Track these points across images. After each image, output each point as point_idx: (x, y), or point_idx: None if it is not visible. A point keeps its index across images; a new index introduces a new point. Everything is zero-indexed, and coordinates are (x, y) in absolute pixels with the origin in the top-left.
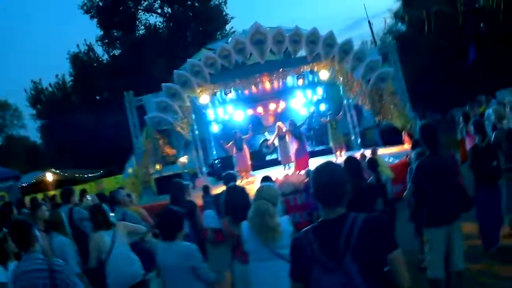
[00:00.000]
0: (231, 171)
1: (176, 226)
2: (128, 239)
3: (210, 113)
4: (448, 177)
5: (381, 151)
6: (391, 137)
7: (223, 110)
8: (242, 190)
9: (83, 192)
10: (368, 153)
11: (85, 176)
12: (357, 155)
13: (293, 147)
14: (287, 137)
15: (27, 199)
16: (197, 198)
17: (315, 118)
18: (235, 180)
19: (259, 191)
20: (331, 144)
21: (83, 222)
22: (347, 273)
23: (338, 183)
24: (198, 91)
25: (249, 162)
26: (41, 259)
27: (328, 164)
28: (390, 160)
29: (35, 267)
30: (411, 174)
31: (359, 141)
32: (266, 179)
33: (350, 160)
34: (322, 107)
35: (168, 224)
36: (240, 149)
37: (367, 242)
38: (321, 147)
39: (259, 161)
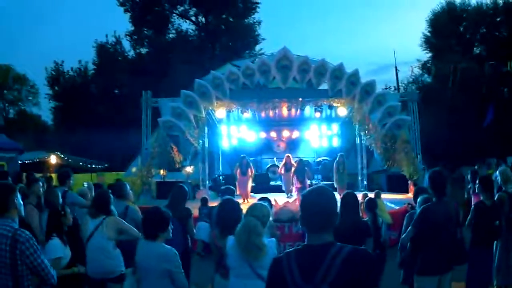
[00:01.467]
0: (231, 186)
1: (159, 226)
2: (116, 235)
3: (223, 129)
4: (449, 227)
5: (385, 196)
6: (398, 184)
7: (237, 129)
8: (235, 204)
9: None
10: (371, 195)
11: (88, 166)
12: (360, 194)
13: (296, 185)
14: (292, 170)
15: (24, 176)
16: (194, 209)
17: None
18: (232, 195)
19: (251, 208)
20: (335, 185)
21: (75, 207)
22: None
23: (327, 208)
24: (216, 104)
25: (249, 188)
26: (9, 227)
27: (320, 188)
28: (392, 206)
29: (1, 232)
30: (410, 220)
31: (365, 183)
32: (263, 199)
33: (348, 195)
34: (335, 142)
35: (151, 223)
36: (244, 173)
37: (348, 275)
38: (326, 183)
39: (264, 185)
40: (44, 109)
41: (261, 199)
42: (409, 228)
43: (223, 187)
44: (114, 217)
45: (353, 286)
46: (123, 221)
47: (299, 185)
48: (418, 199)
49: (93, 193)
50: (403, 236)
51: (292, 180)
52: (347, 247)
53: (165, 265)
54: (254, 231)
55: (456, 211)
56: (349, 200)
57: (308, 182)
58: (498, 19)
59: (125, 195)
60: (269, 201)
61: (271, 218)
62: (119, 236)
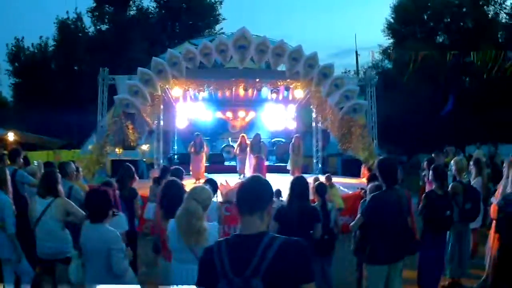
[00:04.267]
0: (180, 167)
1: (104, 208)
2: (64, 216)
3: (179, 108)
4: (399, 216)
5: (339, 180)
6: (353, 168)
7: (193, 108)
8: (179, 186)
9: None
10: (323, 178)
11: (46, 143)
12: (311, 178)
13: (251, 162)
14: (248, 150)
15: None
16: (147, 189)
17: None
18: (180, 176)
19: (191, 191)
20: (289, 167)
21: (24, 186)
22: None
23: (259, 191)
24: (172, 82)
25: (203, 168)
26: None
27: (256, 176)
28: (346, 190)
29: None
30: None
31: (320, 166)
32: (209, 181)
33: (296, 180)
34: (291, 125)
35: (96, 206)
36: (197, 152)
37: (280, 268)
38: (281, 164)
39: (218, 165)
40: (4, 85)
41: (207, 180)
42: (358, 215)
43: (172, 168)
44: (62, 199)
45: (286, 279)
46: (71, 202)
47: (254, 162)
48: (368, 186)
49: (43, 171)
50: (352, 223)
51: (248, 157)
52: (279, 238)
53: (108, 247)
54: (194, 215)
55: (406, 200)
56: (297, 185)
57: (266, 162)
58: (464, 9)
59: (69, 174)
60: (213, 183)
61: (221, 199)
62: (67, 218)
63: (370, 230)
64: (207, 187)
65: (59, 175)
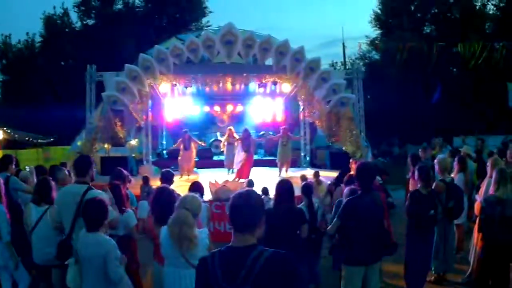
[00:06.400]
0: (170, 170)
1: (100, 218)
2: (59, 224)
3: (167, 103)
4: (374, 219)
5: (328, 173)
6: (341, 161)
7: (181, 103)
8: (169, 194)
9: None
10: (311, 173)
11: (35, 140)
12: (299, 174)
13: (239, 155)
14: (236, 144)
15: None
16: (137, 187)
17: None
18: (170, 181)
19: (183, 200)
20: (277, 160)
21: (17, 193)
22: None
23: (251, 210)
24: (160, 78)
25: (192, 163)
26: None
27: (248, 191)
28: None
29: None
30: (338, 208)
31: (308, 159)
32: (195, 187)
33: (282, 182)
34: (278, 118)
35: (92, 216)
36: (186, 148)
37: (267, 280)
38: (270, 158)
39: (207, 160)
40: None
41: (192, 186)
42: (335, 219)
43: (163, 170)
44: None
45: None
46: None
47: (243, 156)
48: (345, 190)
49: (35, 178)
50: (329, 226)
51: (236, 153)
52: (267, 252)
53: (104, 254)
54: (185, 223)
55: (381, 204)
56: (282, 189)
57: (254, 157)
58: (451, 0)
59: (59, 180)
60: (201, 192)
61: (211, 197)
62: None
63: (346, 233)
64: (197, 195)
65: (53, 182)
